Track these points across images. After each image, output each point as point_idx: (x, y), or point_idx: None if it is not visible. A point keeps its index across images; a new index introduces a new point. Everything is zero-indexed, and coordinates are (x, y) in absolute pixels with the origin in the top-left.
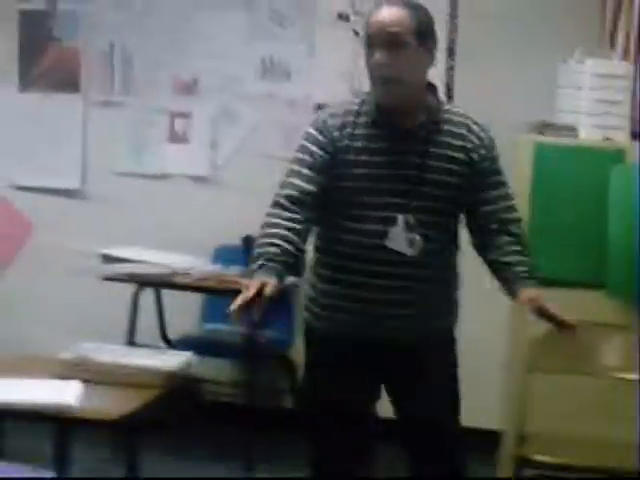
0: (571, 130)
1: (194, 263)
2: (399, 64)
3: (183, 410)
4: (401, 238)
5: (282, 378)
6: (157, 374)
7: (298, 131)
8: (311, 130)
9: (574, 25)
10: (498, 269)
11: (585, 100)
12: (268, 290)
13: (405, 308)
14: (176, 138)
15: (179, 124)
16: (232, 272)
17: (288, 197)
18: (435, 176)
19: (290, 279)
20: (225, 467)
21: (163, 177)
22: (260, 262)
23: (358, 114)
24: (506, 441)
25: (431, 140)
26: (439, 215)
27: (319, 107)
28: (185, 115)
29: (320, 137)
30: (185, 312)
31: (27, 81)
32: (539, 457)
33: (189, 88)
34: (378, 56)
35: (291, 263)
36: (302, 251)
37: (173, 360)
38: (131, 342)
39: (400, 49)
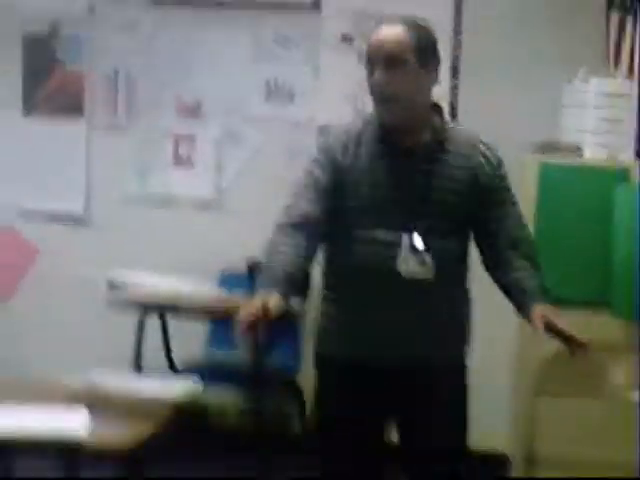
0: (576, 149)
1: (200, 288)
2: (398, 83)
3: (190, 438)
4: (411, 259)
5: (289, 404)
6: (164, 403)
7: (302, 153)
8: (315, 153)
9: (578, 44)
10: (509, 287)
11: (590, 119)
12: (272, 303)
13: (417, 332)
14: (180, 161)
15: (183, 147)
16: (237, 297)
17: (293, 220)
18: (440, 195)
19: (295, 302)
20: None
21: (168, 201)
22: (264, 283)
23: (361, 134)
24: (515, 464)
25: (435, 159)
26: (446, 235)
27: (323, 129)
28: (189, 138)
29: (323, 159)
30: (191, 337)
31: (31, 105)
32: None
33: (193, 111)
34: (377, 75)
35: (296, 286)
36: (307, 274)
37: (180, 388)
38: (137, 367)
39: (399, 68)
